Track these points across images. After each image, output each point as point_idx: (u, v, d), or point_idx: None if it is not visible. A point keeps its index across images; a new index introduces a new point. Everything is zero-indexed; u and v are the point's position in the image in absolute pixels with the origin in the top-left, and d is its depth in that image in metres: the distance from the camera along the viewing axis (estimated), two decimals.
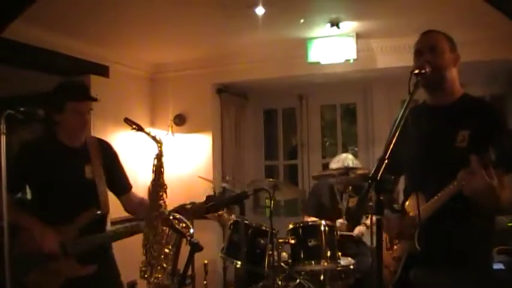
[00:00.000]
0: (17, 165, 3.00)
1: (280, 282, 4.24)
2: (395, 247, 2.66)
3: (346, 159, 5.01)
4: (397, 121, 2.10)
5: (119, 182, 3.34)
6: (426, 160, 2.47)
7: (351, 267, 4.42)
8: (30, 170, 3.04)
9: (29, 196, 3.34)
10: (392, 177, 2.15)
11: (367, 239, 4.73)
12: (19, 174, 3.00)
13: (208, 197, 3.26)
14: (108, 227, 3.30)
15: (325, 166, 6.15)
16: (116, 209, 3.38)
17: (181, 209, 3.09)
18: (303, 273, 4.35)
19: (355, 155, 6.42)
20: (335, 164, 5.02)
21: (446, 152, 2.39)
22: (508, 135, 2.24)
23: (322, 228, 4.18)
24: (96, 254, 3.03)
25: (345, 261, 4.37)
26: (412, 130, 2.27)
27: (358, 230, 4.88)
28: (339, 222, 4.76)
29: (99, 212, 3.10)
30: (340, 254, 4.23)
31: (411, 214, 2.52)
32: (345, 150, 6.68)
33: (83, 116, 3.09)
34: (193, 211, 3.17)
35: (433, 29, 2.60)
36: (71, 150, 3.15)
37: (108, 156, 3.31)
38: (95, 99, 3.18)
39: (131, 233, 3.11)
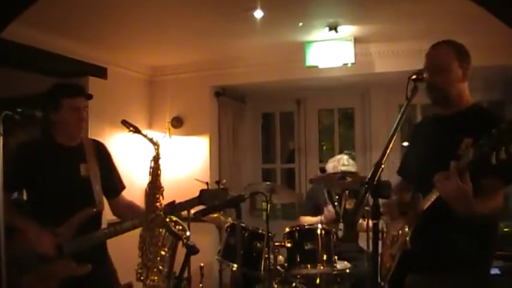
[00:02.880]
0: (14, 167, 3.01)
1: (276, 286, 4.24)
2: (394, 245, 2.68)
3: (342, 159, 5.05)
4: (394, 127, 2.12)
5: (112, 183, 3.35)
6: (430, 166, 2.49)
7: (347, 271, 4.42)
8: (27, 171, 3.05)
9: (25, 197, 3.35)
10: (391, 183, 2.18)
11: (363, 244, 4.73)
12: (16, 176, 3.01)
13: (202, 191, 3.26)
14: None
15: (323, 170, 6.15)
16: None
17: (171, 206, 3.11)
18: (299, 276, 4.35)
19: (353, 158, 6.44)
20: (331, 163, 5.10)
21: (449, 159, 2.40)
22: None
23: (319, 232, 4.19)
24: (91, 253, 3.03)
25: (341, 265, 4.37)
26: (421, 139, 2.29)
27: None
28: (327, 210, 4.79)
29: (94, 210, 3.11)
30: (336, 257, 4.23)
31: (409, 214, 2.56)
32: None
33: (79, 112, 3.12)
34: (186, 206, 3.19)
35: (444, 39, 2.62)
36: (67, 149, 3.16)
37: (103, 157, 3.32)
38: (90, 96, 3.21)
39: (126, 230, 3.11)
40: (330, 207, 4.93)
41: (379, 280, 2.60)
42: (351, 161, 5.08)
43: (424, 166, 2.55)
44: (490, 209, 2.34)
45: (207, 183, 4.62)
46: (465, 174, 2.14)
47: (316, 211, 5.06)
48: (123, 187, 3.44)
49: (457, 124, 2.51)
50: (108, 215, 3.41)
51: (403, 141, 5.45)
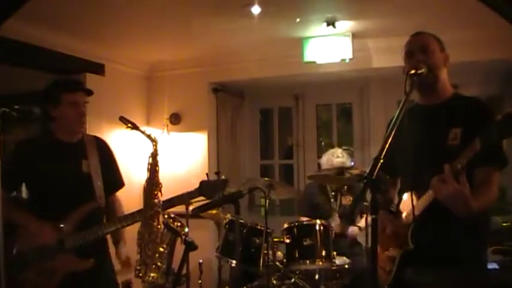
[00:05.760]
0: (14, 164, 3.02)
1: (275, 282, 4.24)
2: (390, 247, 2.66)
3: (335, 152, 5.12)
4: (393, 121, 2.11)
5: (111, 179, 3.35)
6: (419, 159, 2.49)
7: (346, 266, 4.42)
8: (28, 168, 3.06)
9: (24, 195, 3.35)
10: (388, 177, 2.17)
11: (362, 239, 4.73)
12: (16, 173, 3.02)
13: (202, 182, 3.26)
14: None
15: (320, 167, 6.16)
16: None
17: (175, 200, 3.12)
18: (297, 272, 4.36)
19: (351, 155, 6.44)
20: (325, 157, 5.19)
21: (438, 150, 2.41)
22: None
23: (317, 227, 4.18)
24: (93, 248, 3.04)
25: (340, 260, 4.37)
26: (405, 130, 2.28)
27: (352, 230, 4.88)
28: (333, 223, 4.77)
29: (95, 204, 3.11)
30: (335, 253, 4.23)
31: (404, 214, 2.54)
32: None
33: (78, 107, 3.13)
34: (186, 198, 3.18)
35: (422, 30, 2.65)
36: (68, 146, 3.18)
37: (104, 153, 3.33)
38: (90, 92, 3.22)
39: (126, 224, 3.11)
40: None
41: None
42: (345, 154, 5.13)
43: (414, 160, 2.52)
44: (488, 202, 2.34)
45: (207, 174, 4.60)
46: (462, 175, 2.13)
47: (313, 211, 5.07)
48: (122, 184, 3.44)
49: (443, 114, 2.51)
50: None
51: None
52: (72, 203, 3.04)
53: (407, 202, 2.50)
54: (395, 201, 2.72)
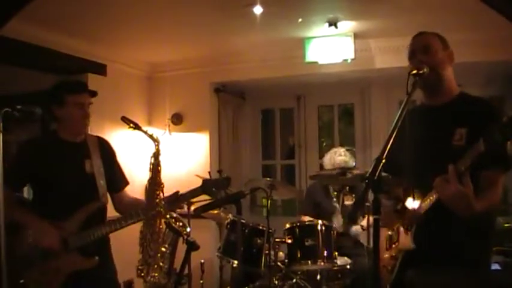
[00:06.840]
0: (18, 164, 3.05)
1: (276, 282, 4.23)
2: (393, 246, 2.66)
3: (338, 151, 5.11)
4: (395, 122, 2.11)
5: (115, 179, 3.37)
6: (424, 159, 2.49)
7: (348, 267, 4.42)
8: (32, 168, 3.08)
9: (26, 195, 3.35)
10: (391, 177, 2.17)
11: (363, 240, 4.72)
12: (20, 173, 3.04)
13: (205, 181, 3.26)
14: None
15: (322, 166, 6.16)
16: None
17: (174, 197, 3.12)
18: (299, 272, 4.35)
19: (353, 155, 6.43)
20: (327, 155, 5.18)
21: (444, 150, 2.40)
22: None
23: (319, 228, 4.18)
24: (96, 247, 3.06)
25: (341, 261, 4.37)
26: (411, 131, 2.28)
27: (355, 229, 4.88)
28: (335, 223, 4.77)
29: (98, 204, 3.13)
30: (336, 253, 4.23)
31: (409, 213, 2.54)
32: None
33: (83, 108, 3.16)
34: (189, 196, 3.19)
35: (425, 30, 2.64)
36: (71, 146, 3.20)
37: (107, 153, 3.36)
38: (95, 93, 3.25)
39: (131, 222, 3.11)
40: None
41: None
42: (347, 153, 5.11)
43: (419, 160, 2.52)
44: (491, 204, 2.33)
45: (209, 172, 4.61)
46: (465, 176, 2.13)
47: (316, 209, 5.06)
48: (126, 183, 3.47)
49: (449, 114, 2.49)
50: (109, 211, 3.41)
51: None
52: (75, 202, 3.05)
53: (412, 202, 2.50)
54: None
